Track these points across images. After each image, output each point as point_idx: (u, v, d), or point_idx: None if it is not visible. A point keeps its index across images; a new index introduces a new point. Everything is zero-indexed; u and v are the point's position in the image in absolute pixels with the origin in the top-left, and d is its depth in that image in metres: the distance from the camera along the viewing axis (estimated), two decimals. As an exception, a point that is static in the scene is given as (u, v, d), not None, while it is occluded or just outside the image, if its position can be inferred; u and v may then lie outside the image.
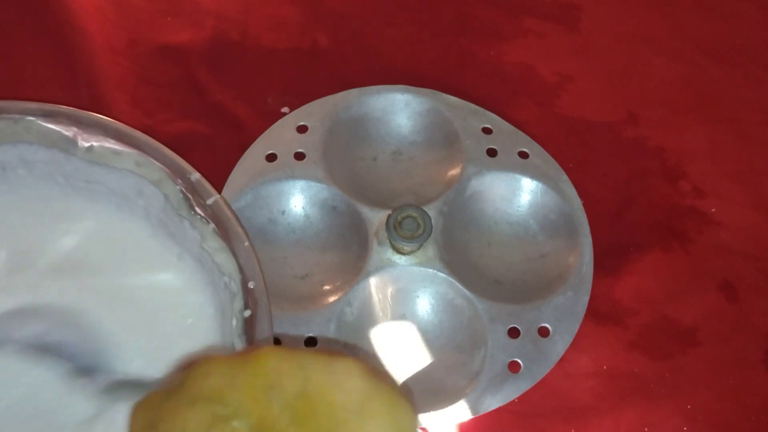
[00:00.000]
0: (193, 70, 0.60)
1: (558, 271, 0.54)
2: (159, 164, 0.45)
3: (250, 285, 0.42)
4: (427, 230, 0.51)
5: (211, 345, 0.44)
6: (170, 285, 0.46)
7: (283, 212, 0.55)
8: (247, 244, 0.43)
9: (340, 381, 0.33)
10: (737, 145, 0.61)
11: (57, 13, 0.61)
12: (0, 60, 0.59)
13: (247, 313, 0.42)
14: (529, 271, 0.55)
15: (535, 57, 0.63)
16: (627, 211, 0.58)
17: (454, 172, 0.56)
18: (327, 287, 0.53)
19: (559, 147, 0.58)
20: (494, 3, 0.65)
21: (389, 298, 0.53)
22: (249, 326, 0.42)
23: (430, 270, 0.53)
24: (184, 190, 0.45)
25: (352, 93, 0.58)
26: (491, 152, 0.57)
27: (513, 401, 0.50)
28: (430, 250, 0.53)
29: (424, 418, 0.49)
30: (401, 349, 0.52)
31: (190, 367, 0.35)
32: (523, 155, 0.57)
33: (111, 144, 0.45)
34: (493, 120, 0.58)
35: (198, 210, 0.44)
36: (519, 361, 0.51)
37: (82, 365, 0.43)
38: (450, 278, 0.52)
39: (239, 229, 0.44)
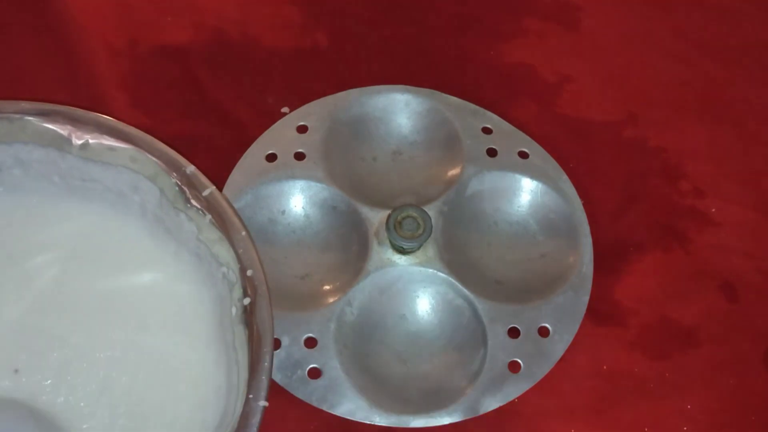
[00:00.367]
0: (193, 70, 0.60)
1: (558, 271, 0.54)
2: (154, 159, 0.45)
3: (249, 273, 0.42)
4: (427, 230, 0.51)
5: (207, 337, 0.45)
6: (165, 280, 0.46)
7: (283, 212, 0.55)
8: (244, 233, 0.44)
9: None
10: (737, 145, 0.61)
11: (57, 13, 0.61)
12: (0, 60, 0.59)
13: (247, 300, 0.42)
14: (529, 271, 0.55)
15: (535, 57, 0.63)
16: (627, 211, 0.58)
17: (454, 172, 0.56)
18: (327, 287, 0.53)
19: (559, 147, 0.58)
20: (494, 3, 0.65)
21: (389, 298, 0.53)
22: (249, 314, 0.42)
23: (430, 270, 0.53)
24: (179, 183, 0.45)
25: (352, 93, 0.58)
26: (491, 152, 0.57)
27: (513, 401, 0.50)
28: (430, 250, 0.53)
29: (425, 419, 0.49)
30: (401, 349, 0.52)
31: None
32: (523, 155, 0.57)
33: (106, 140, 0.46)
34: (493, 120, 0.58)
35: (194, 202, 0.45)
36: (519, 361, 0.51)
37: None
38: (450, 278, 0.52)
39: (236, 219, 0.44)
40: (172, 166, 0.45)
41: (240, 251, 0.43)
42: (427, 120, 0.59)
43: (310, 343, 0.50)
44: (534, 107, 0.61)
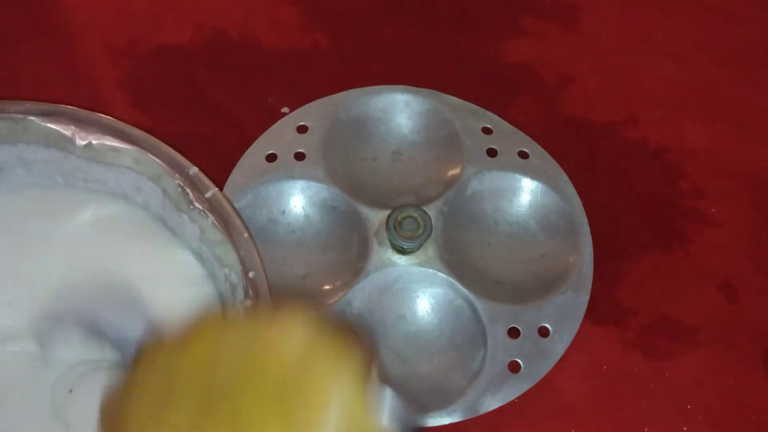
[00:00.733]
0: (193, 70, 0.60)
1: (558, 271, 0.54)
2: (157, 160, 0.45)
3: (251, 275, 0.43)
4: (427, 230, 0.51)
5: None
6: (169, 281, 0.46)
7: (283, 212, 0.55)
8: (246, 235, 0.44)
9: (282, 335, 0.32)
10: (737, 145, 0.61)
11: (57, 13, 0.61)
12: (0, 60, 0.59)
13: (248, 302, 0.42)
14: (529, 271, 0.55)
15: (535, 57, 0.63)
16: (627, 211, 0.58)
17: (454, 172, 0.56)
18: (327, 287, 0.53)
19: (559, 147, 0.58)
20: (494, 3, 0.65)
21: (389, 298, 0.53)
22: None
23: (430, 270, 0.53)
24: (182, 184, 0.45)
25: (352, 93, 0.58)
26: (491, 152, 0.57)
27: (513, 401, 0.50)
28: (430, 250, 0.53)
29: (424, 419, 0.49)
30: (401, 349, 0.52)
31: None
32: (523, 155, 0.57)
33: (109, 141, 0.46)
34: (493, 120, 0.58)
35: (197, 204, 0.45)
36: (519, 361, 0.51)
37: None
38: (450, 278, 0.52)
39: (238, 221, 0.44)
40: (175, 168, 0.45)
41: (242, 253, 0.43)
42: (427, 120, 0.59)
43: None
44: (534, 107, 0.61)
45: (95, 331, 0.43)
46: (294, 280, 0.53)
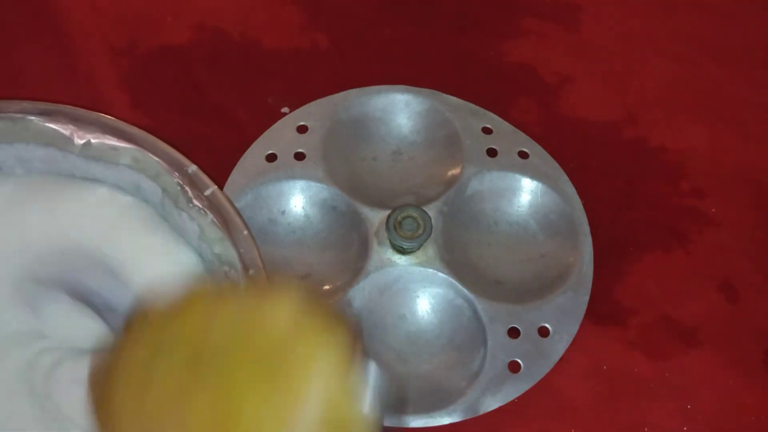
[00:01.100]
0: (193, 70, 0.60)
1: (558, 271, 0.54)
2: (156, 158, 0.45)
3: (250, 273, 0.43)
4: (427, 230, 0.51)
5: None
6: (168, 279, 0.46)
7: (283, 212, 0.55)
8: (245, 232, 0.44)
9: (273, 308, 0.34)
10: (737, 145, 0.61)
11: (57, 13, 0.61)
12: (0, 60, 0.59)
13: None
14: (529, 271, 0.55)
15: (535, 57, 0.63)
16: (627, 212, 0.58)
17: (454, 172, 0.56)
18: (327, 287, 0.53)
19: (559, 147, 0.58)
20: (494, 3, 0.65)
21: (389, 298, 0.53)
22: None
23: (430, 270, 0.53)
24: (181, 182, 0.45)
25: (352, 93, 0.58)
26: (491, 152, 0.57)
27: (513, 401, 0.50)
28: (430, 250, 0.53)
29: (425, 419, 0.49)
30: (401, 349, 0.52)
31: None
32: (523, 155, 0.57)
33: (108, 140, 0.46)
34: (493, 120, 0.58)
35: (196, 202, 0.45)
36: (519, 361, 0.51)
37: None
38: (450, 278, 0.52)
39: (237, 219, 0.44)
40: (174, 166, 0.45)
41: (242, 251, 0.43)
42: (427, 120, 0.59)
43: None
44: (534, 107, 0.61)
45: (81, 298, 0.43)
46: (294, 280, 0.53)
